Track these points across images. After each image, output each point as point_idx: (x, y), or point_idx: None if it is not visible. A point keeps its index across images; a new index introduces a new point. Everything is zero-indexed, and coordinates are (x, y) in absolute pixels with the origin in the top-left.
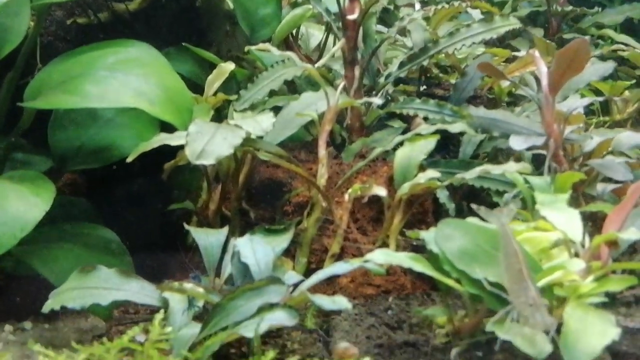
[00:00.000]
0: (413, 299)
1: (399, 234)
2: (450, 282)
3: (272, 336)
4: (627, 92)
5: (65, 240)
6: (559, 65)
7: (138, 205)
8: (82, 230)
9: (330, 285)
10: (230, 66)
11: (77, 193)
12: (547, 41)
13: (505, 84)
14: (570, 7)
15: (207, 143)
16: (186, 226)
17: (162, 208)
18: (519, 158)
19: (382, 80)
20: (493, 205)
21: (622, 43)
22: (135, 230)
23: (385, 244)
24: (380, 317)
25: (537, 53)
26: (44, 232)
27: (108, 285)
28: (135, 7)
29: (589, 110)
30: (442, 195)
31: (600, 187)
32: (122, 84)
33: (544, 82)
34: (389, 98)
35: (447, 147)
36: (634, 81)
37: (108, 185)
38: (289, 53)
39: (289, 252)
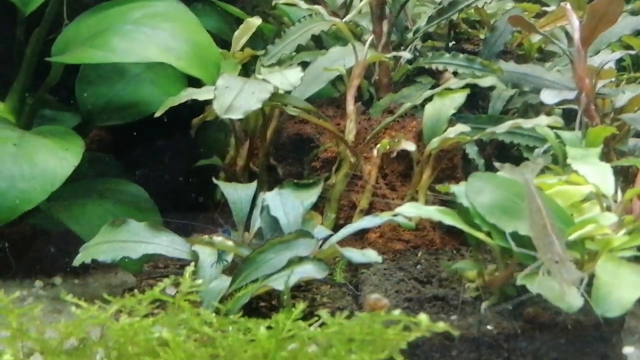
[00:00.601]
0: (442, 254)
1: (427, 189)
2: (481, 236)
3: (301, 290)
4: None
5: (93, 196)
6: (591, 19)
7: (166, 161)
8: (110, 186)
9: (359, 240)
10: (257, 21)
11: (105, 150)
12: None
13: (535, 39)
14: None
15: (235, 97)
16: (215, 180)
17: (190, 164)
18: (549, 113)
19: (410, 35)
20: (523, 161)
21: None
22: (163, 187)
23: (414, 199)
24: (410, 271)
25: (568, 6)
26: (73, 188)
27: (138, 238)
28: None
29: (620, 66)
30: (472, 151)
31: (632, 142)
32: (149, 38)
33: (576, 35)
34: (418, 53)
35: (476, 103)
36: None
37: (136, 142)
38: (317, 7)
39: (318, 208)
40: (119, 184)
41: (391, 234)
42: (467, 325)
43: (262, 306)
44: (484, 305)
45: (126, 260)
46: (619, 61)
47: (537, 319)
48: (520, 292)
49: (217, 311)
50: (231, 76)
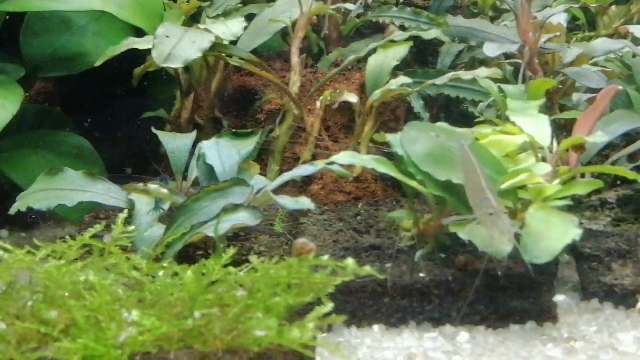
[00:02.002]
0: (383, 206)
1: (370, 141)
2: (414, 184)
3: (240, 239)
4: (613, 8)
5: (37, 147)
6: None
7: (114, 114)
8: (55, 138)
9: (302, 192)
10: None
11: (52, 102)
12: None
13: None
14: None
15: (174, 46)
16: (154, 130)
17: (136, 117)
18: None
19: None
20: (469, 116)
21: None
22: (110, 139)
23: (356, 151)
24: (349, 222)
25: None
26: (17, 140)
27: (74, 187)
28: None
29: (575, 26)
30: (418, 105)
31: (576, 97)
32: None
33: None
34: (368, 8)
35: (426, 59)
36: None
37: (85, 94)
38: None
39: (262, 161)
40: (63, 136)
41: (333, 186)
42: (400, 273)
43: (198, 254)
44: (418, 254)
45: (63, 208)
46: (575, 20)
47: (469, 267)
48: (454, 241)
49: (155, 258)
50: (172, 25)
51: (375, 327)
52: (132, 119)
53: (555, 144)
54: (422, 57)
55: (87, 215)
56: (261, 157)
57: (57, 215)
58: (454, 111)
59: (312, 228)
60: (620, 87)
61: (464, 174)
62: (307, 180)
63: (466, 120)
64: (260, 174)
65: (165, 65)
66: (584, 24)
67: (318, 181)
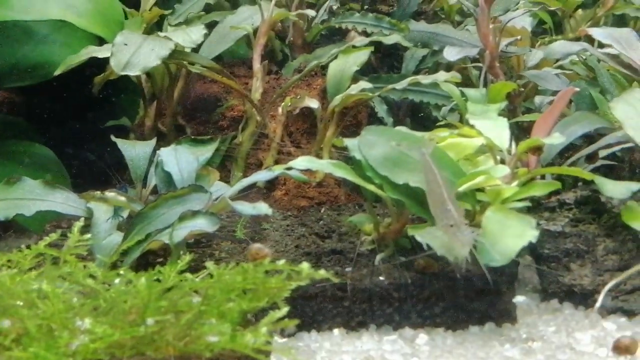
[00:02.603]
0: (345, 210)
1: (332, 146)
2: (372, 188)
3: (201, 246)
4: (580, 11)
5: (1, 157)
6: None
7: (77, 122)
8: (18, 149)
9: (266, 198)
10: None
11: (15, 112)
12: None
13: (452, 1)
14: None
15: (133, 54)
16: (113, 137)
17: (100, 125)
18: (465, 75)
19: None
20: (435, 120)
21: None
22: (73, 148)
23: (318, 156)
24: (311, 227)
25: None
26: None
27: (32, 196)
28: None
29: (542, 30)
30: (381, 109)
31: (538, 99)
32: None
33: None
34: (332, 14)
35: (391, 64)
36: None
37: (46, 103)
38: None
39: (226, 167)
40: (27, 146)
41: (296, 192)
42: (360, 277)
43: (158, 261)
44: (378, 257)
45: (22, 217)
46: (542, 23)
47: (428, 270)
48: (414, 244)
49: (113, 266)
50: (131, 33)
51: (336, 331)
52: (96, 128)
53: (514, 146)
54: (388, 62)
55: (48, 224)
56: (224, 163)
57: (21, 225)
58: (419, 115)
59: (274, 233)
60: (577, 89)
61: (425, 183)
62: (271, 186)
63: (431, 124)
64: (224, 180)
65: (123, 73)
66: (550, 28)
67: (281, 187)
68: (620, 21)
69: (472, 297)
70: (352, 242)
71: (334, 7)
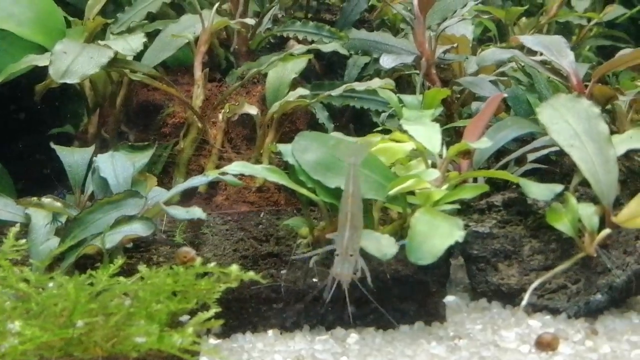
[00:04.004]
0: (284, 214)
1: (272, 151)
2: (305, 192)
3: (140, 250)
4: (524, 19)
5: None
6: None
7: (23, 131)
8: None
9: (207, 203)
10: None
11: None
12: None
13: (397, 9)
14: None
15: (72, 62)
16: (52, 145)
17: (45, 133)
18: (407, 82)
19: (268, 5)
20: (374, 125)
21: None
22: (19, 155)
23: (259, 162)
24: (250, 231)
25: None
26: None
27: None
28: None
29: (487, 37)
30: (322, 116)
31: (474, 105)
32: None
33: (415, 1)
34: (276, 22)
35: (336, 71)
36: (527, 6)
37: None
38: None
39: (168, 173)
40: None
41: (237, 196)
42: (294, 279)
43: (96, 266)
44: (312, 260)
45: None
46: (487, 31)
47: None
48: None
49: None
50: (70, 41)
51: (270, 332)
52: (41, 136)
53: (445, 150)
54: (333, 69)
55: None
56: (167, 169)
57: None
58: (363, 121)
59: (213, 238)
60: (505, 95)
61: (343, 198)
62: (212, 192)
63: (373, 129)
64: (167, 186)
65: (62, 81)
66: (495, 35)
67: (222, 192)
68: (565, 29)
69: (404, 297)
70: (289, 245)
71: (279, 16)
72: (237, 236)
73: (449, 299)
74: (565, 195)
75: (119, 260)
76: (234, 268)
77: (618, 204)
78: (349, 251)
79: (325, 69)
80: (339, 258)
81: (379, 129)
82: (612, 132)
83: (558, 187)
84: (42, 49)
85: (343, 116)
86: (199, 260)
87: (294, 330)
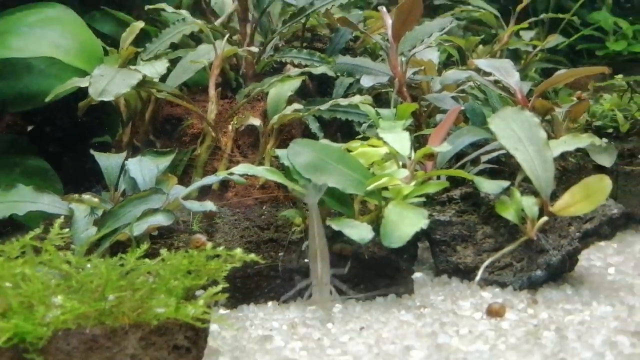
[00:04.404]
0: (282, 207)
1: (272, 155)
2: (298, 188)
3: (164, 238)
4: (480, 47)
5: (6, 168)
6: (398, 18)
7: (70, 140)
8: (21, 161)
9: (220, 198)
10: (140, 24)
11: (20, 132)
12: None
13: (376, 38)
14: None
15: (107, 83)
16: (91, 151)
17: (88, 142)
18: (384, 98)
19: (270, 36)
20: (357, 133)
21: (477, 7)
22: (66, 160)
23: (261, 164)
24: (254, 221)
25: (384, 9)
26: None
27: (24, 199)
28: None
29: (450, 61)
30: (314, 126)
31: (439, 117)
32: (40, 37)
33: (389, 31)
34: (277, 50)
35: (326, 90)
36: (483, 36)
37: (45, 124)
38: (184, 12)
39: (188, 174)
40: (28, 159)
41: (244, 193)
42: (289, 260)
43: (126, 250)
44: (304, 244)
45: (17, 216)
46: (450, 57)
47: (343, 252)
48: (333, 233)
49: (88, 254)
50: (107, 67)
51: (269, 303)
52: (84, 144)
53: (413, 153)
54: (324, 88)
55: (44, 221)
56: (187, 171)
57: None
58: (348, 131)
59: (224, 226)
60: (462, 107)
61: (310, 236)
62: (224, 189)
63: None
64: (187, 185)
65: (99, 99)
66: (457, 60)
67: (232, 189)
68: (514, 54)
69: (380, 274)
70: (286, 232)
71: (279, 45)
72: (243, 225)
73: (417, 275)
74: (511, 190)
75: (145, 246)
76: (238, 251)
77: (554, 197)
78: (325, 281)
79: (316, 88)
80: (316, 287)
81: (360, 136)
82: (550, 138)
83: (505, 183)
84: (84, 73)
85: (332, 126)
86: (209, 245)
87: (289, 302)
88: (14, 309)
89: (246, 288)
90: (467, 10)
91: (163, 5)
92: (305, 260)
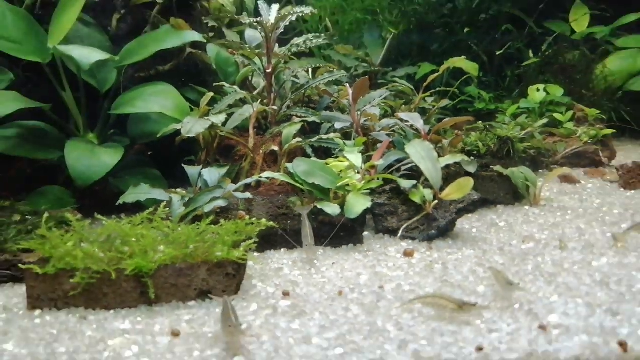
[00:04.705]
0: (290, 195)
1: (285, 167)
2: (298, 185)
3: (223, 213)
4: (403, 106)
5: (135, 175)
6: (356, 89)
7: (174, 160)
8: (144, 171)
9: (255, 191)
10: (210, 94)
11: (144, 154)
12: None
13: (344, 101)
14: (379, 68)
15: (192, 127)
16: (183, 165)
17: (182, 160)
18: (348, 134)
19: (285, 99)
20: (332, 154)
21: (402, 84)
22: (169, 171)
23: (278, 172)
24: (274, 203)
25: (348, 85)
26: (126, 172)
27: (144, 192)
28: (168, 68)
29: (387, 115)
30: (309, 151)
31: (378, 145)
32: (154, 101)
33: (350, 97)
34: (289, 107)
35: (317, 130)
36: (404, 100)
37: (160, 149)
38: (236, 87)
39: (238, 178)
40: (148, 169)
41: (269, 188)
42: (293, 225)
43: (200, 221)
44: (302, 216)
45: (140, 202)
46: (386, 112)
47: (324, 221)
48: (319, 210)
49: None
50: (191, 117)
51: (282, 250)
52: (180, 160)
53: (363, 165)
54: (317, 129)
55: (155, 205)
56: (238, 177)
57: (142, 206)
58: (329, 154)
59: (257, 207)
60: (391, 140)
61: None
62: (257, 186)
63: (330, 155)
64: (237, 183)
65: (187, 135)
66: (390, 113)
67: (263, 186)
68: (423, 111)
69: (345, 233)
70: (291, 209)
71: (290, 105)
72: (268, 206)
73: (365, 233)
74: (417, 185)
75: (211, 217)
76: (263, 220)
77: (442, 189)
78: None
79: (312, 129)
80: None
81: (335, 156)
82: (440, 156)
83: (414, 181)
84: (178, 121)
85: (320, 151)
86: (247, 217)
87: (293, 249)
88: (136, 253)
89: (269, 241)
90: (396, 86)
91: (224, 83)
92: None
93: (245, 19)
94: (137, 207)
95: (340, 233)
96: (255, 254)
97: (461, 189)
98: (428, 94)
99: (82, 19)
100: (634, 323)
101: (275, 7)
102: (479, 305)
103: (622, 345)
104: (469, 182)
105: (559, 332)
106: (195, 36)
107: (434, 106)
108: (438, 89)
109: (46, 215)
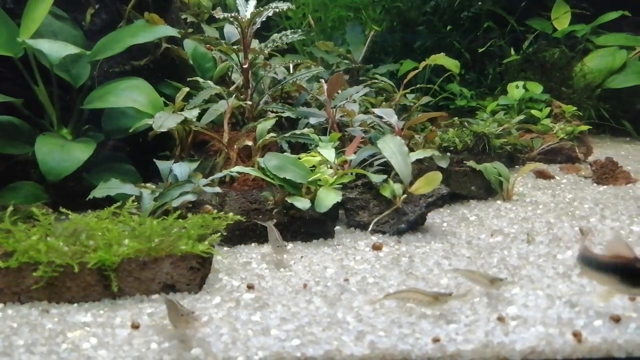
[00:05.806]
0: (263, 190)
1: (258, 162)
2: (270, 180)
3: (195, 208)
4: (383, 103)
5: (108, 170)
6: (330, 85)
7: (147, 153)
8: (118, 166)
9: (229, 186)
10: (186, 89)
11: (120, 150)
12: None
13: (320, 97)
14: (360, 65)
15: (164, 121)
16: (155, 160)
17: (157, 154)
18: (326, 130)
19: (263, 95)
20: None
21: (383, 80)
22: (145, 166)
23: (252, 167)
24: (247, 198)
25: (323, 82)
26: (100, 168)
27: (114, 186)
28: (143, 63)
29: (366, 110)
30: (285, 146)
31: (353, 140)
32: (127, 96)
33: (325, 93)
34: (266, 103)
35: (296, 126)
36: (385, 96)
37: (132, 145)
38: (210, 82)
39: (211, 173)
40: (121, 164)
41: (243, 182)
42: (264, 220)
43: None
44: (275, 211)
45: (110, 196)
46: (367, 108)
47: (295, 215)
48: (290, 204)
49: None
50: (164, 112)
51: (252, 244)
52: (153, 155)
53: (336, 160)
54: (295, 124)
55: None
56: (212, 172)
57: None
58: (304, 149)
59: (230, 202)
60: (364, 135)
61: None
62: (231, 181)
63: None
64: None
65: (159, 130)
66: (368, 109)
67: (237, 181)
68: (404, 107)
69: (315, 227)
70: (264, 204)
71: (268, 100)
72: (241, 201)
73: (337, 227)
74: (388, 180)
75: (178, 212)
76: (230, 214)
77: (412, 183)
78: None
79: (288, 124)
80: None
81: (309, 151)
82: (412, 151)
83: (385, 176)
84: (152, 116)
85: (296, 146)
86: (214, 211)
87: (263, 244)
88: (100, 247)
89: (240, 235)
90: (377, 82)
91: (198, 78)
92: (274, 220)
93: (219, 14)
94: (111, 202)
95: (311, 228)
96: (226, 248)
97: (430, 183)
98: (408, 90)
99: (55, 13)
100: (590, 314)
101: (252, 2)
102: (454, 294)
103: (577, 335)
104: (438, 176)
105: (517, 323)
106: (169, 31)
107: (414, 103)
108: (419, 85)
109: (10, 208)
